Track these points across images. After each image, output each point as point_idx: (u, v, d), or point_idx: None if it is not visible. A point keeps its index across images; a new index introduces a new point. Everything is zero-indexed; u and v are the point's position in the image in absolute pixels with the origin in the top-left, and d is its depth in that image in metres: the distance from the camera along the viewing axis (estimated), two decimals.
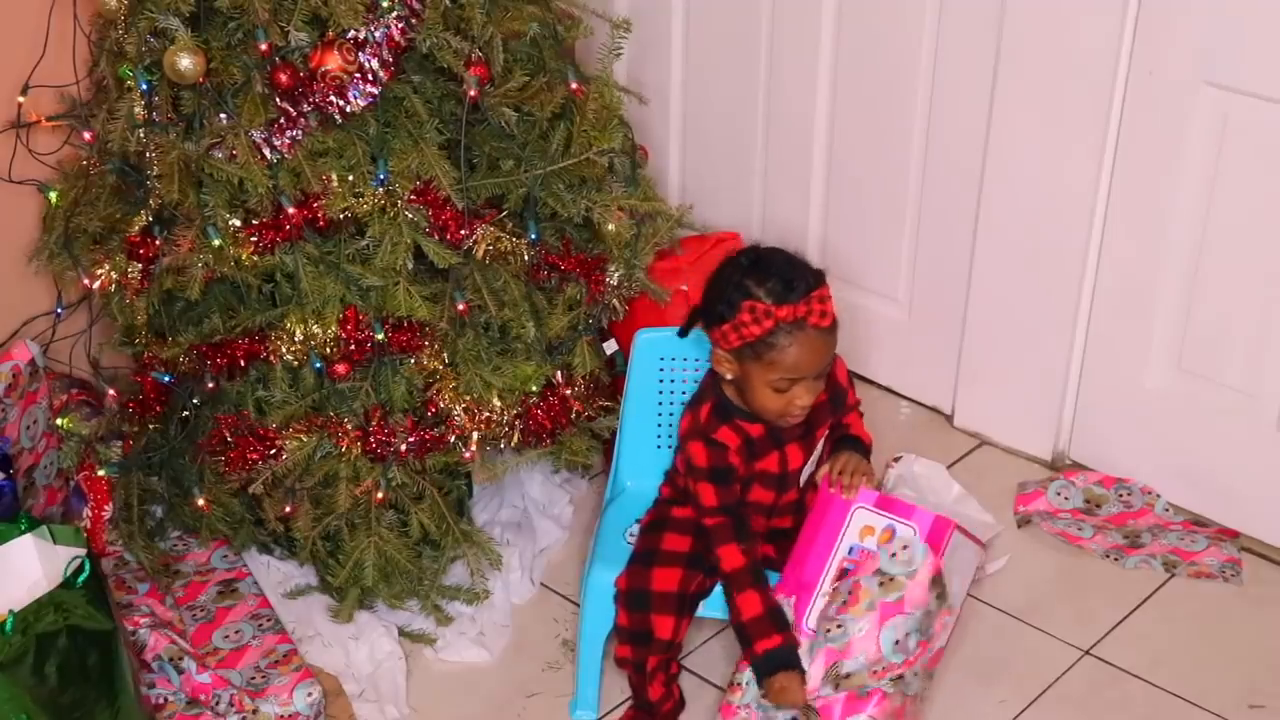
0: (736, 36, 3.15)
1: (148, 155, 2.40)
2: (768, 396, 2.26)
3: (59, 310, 2.69)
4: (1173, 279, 2.75)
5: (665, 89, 3.28)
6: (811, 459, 2.42)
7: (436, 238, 2.40)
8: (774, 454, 2.37)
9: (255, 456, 2.45)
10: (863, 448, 2.43)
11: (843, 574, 2.29)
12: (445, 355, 2.47)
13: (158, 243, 2.44)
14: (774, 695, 2.26)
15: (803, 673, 2.26)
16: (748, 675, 2.31)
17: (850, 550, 2.30)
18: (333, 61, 2.32)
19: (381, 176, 2.36)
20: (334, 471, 2.47)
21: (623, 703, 2.49)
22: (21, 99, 2.60)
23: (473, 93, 2.39)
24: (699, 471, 2.33)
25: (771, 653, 2.26)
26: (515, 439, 2.54)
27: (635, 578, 2.41)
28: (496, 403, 2.49)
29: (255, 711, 2.35)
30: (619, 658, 2.41)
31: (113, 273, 2.48)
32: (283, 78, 2.31)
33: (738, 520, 2.33)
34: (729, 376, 2.30)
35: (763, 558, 2.46)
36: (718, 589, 2.45)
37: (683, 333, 2.38)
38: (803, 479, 2.43)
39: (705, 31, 3.21)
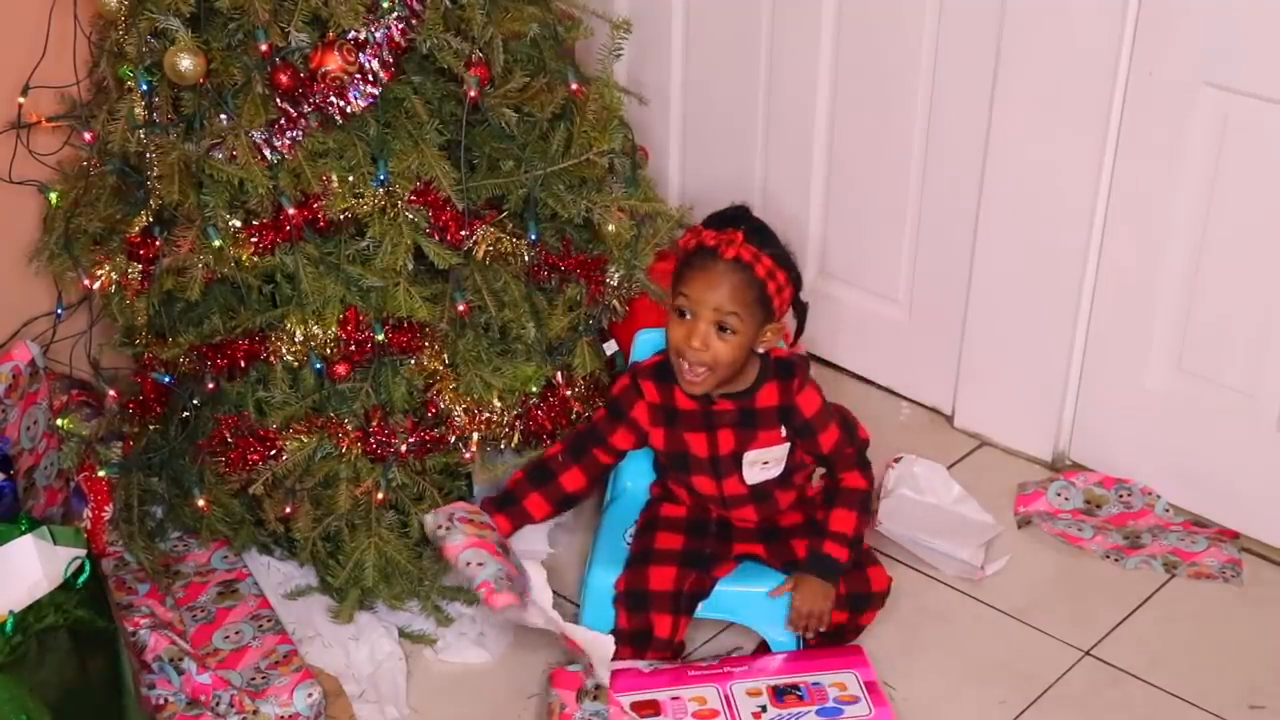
0: (736, 37, 3.15)
1: (148, 156, 2.40)
2: (673, 325, 2.35)
3: (59, 311, 2.68)
4: (1173, 279, 2.75)
5: (665, 89, 3.28)
6: (760, 459, 2.42)
7: (437, 238, 2.40)
8: (703, 435, 2.41)
9: (255, 457, 2.45)
10: (830, 569, 2.41)
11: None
12: (445, 356, 2.47)
13: (158, 243, 2.44)
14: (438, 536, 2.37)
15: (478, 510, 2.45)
16: (555, 694, 2.37)
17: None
18: (333, 62, 2.32)
19: (382, 177, 2.36)
20: (334, 472, 2.47)
21: None
22: (22, 99, 2.60)
23: (473, 93, 2.39)
24: (607, 397, 2.49)
25: (498, 498, 2.47)
26: (515, 440, 2.54)
27: (633, 579, 2.42)
28: (497, 403, 2.49)
29: (255, 712, 2.35)
30: (620, 659, 2.41)
31: (113, 273, 2.48)
32: (283, 78, 2.31)
33: (585, 437, 2.48)
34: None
35: (751, 557, 2.47)
36: (716, 589, 2.46)
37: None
38: (749, 477, 2.43)
39: (705, 31, 3.21)
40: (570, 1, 2.62)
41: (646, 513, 2.55)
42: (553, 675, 2.41)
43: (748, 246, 2.31)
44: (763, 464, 2.42)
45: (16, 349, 2.55)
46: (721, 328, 2.31)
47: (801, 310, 2.43)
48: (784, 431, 2.42)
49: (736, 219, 2.35)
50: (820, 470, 2.55)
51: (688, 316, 2.33)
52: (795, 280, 2.38)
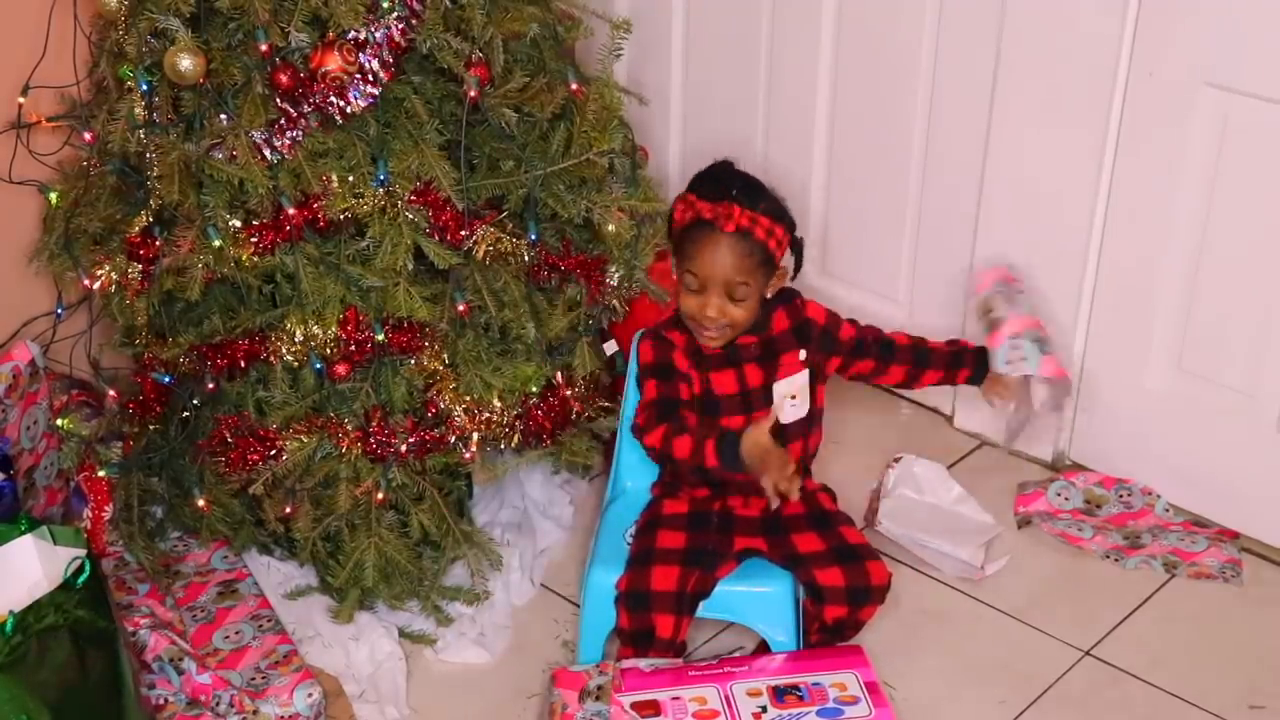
0: (736, 37, 3.15)
1: (148, 156, 2.40)
2: (685, 296, 2.40)
3: (59, 311, 2.68)
4: (1173, 279, 2.75)
5: (665, 89, 3.28)
6: (788, 390, 2.46)
7: (437, 238, 2.40)
8: (730, 371, 2.45)
9: (255, 457, 2.45)
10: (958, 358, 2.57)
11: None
12: (445, 356, 2.47)
13: (158, 243, 2.44)
14: (753, 454, 2.26)
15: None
16: (558, 694, 2.37)
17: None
18: (333, 62, 2.32)
19: (382, 177, 2.36)
20: (334, 472, 2.47)
21: None
22: (22, 99, 2.60)
23: (473, 93, 2.39)
24: (645, 369, 2.46)
25: (721, 440, 2.30)
26: (515, 440, 2.54)
27: (635, 579, 2.41)
28: (497, 403, 2.49)
29: (255, 712, 2.35)
30: (620, 660, 2.41)
31: (113, 273, 2.48)
32: (283, 78, 2.31)
33: (667, 407, 2.38)
34: (672, 296, 2.45)
35: (753, 551, 2.47)
36: (717, 588, 2.46)
37: (669, 234, 2.46)
38: (783, 416, 2.45)
39: (705, 32, 3.21)
40: (570, 1, 2.62)
41: (648, 512, 2.55)
42: (555, 675, 2.41)
43: (744, 213, 2.35)
44: (791, 399, 2.47)
45: (16, 349, 2.55)
46: (732, 294, 2.37)
47: (798, 248, 2.47)
48: (802, 354, 2.47)
49: (724, 178, 2.40)
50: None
51: (696, 288, 2.38)
52: (790, 225, 2.43)
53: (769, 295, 2.44)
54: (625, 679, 2.36)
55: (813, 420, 2.53)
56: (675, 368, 2.44)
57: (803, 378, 2.48)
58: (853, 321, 2.55)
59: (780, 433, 2.44)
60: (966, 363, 2.58)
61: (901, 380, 2.60)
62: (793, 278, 2.50)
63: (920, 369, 2.58)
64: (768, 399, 2.45)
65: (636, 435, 2.43)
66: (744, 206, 2.36)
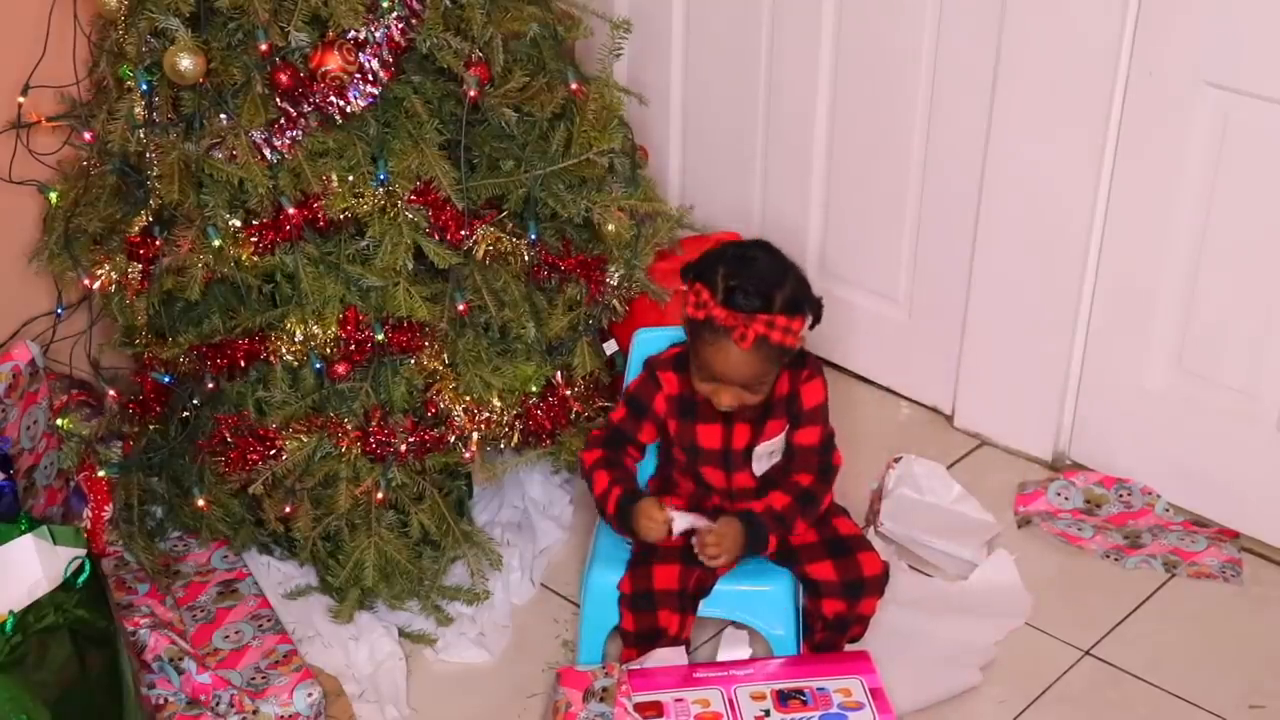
0: (736, 36, 3.15)
1: (148, 155, 2.40)
2: (697, 378, 2.35)
3: (59, 311, 2.68)
4: (1173, 279, 2.75)
5: (665, 89, 3.28)
6: (767, 450, 2.42)
7: (436, 238, 2.40)
8: (717, 426, 2.40)
9: (255, 457, 2.45)
10: (752, 521, 2.37)
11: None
12: (445, 356, 2.47)
13: (158, 243, 2.44)
14: (640, 522, 2.34)
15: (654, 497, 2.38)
16: (563, 693, 2.36)
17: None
18: (333, 62, 2.32)
19: (381, 177, 2.36)
20: (334, 472, 2.47)
21: None
22: (21, 99, 2.59)
23: (473, 93, 2.39)
24: (626, 394, 2.46)
25: (621, 495, 2.37)
26: (515, 439, 2.54)
27: (638, 579, 2.42)
28: (496, 403, 2.49)
29: (255, 712, 2.35)
30: (624, 662, 2.41)
31: (113, 273, 2.48)
32: (283, 78, 2.31)
33: (616, 437, 2.43)
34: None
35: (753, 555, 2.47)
36: (717, 587, 2.46)
37: (683, 276, 2.37)
38: (758, 468, 2.43)
39: (705, 31, 3.21)
40: (570, 1, 2.62)
41: None
42: (561, 674, 2.41)
43: (759, 321, 2.25)
44: (769, 454, 2.43)
45: (16, 349, 2.55)
46: (748, 388, 2.32)
47: (817, 310, 2.37)
48: (787, 417, 2.42)
49: (738, 273, 2.27)
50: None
51: (708, 379, 2.32)
52: (806, 305, 2.33)
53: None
54: (631, 681, 2.36)
55: (787, 464, 2.46)
56: (650, 409, 2.42)
57: (782, 437, 2.42)
58: (824, 437, 2.43)
59: (759, 485, 2.44)
60: (748, 510, 2.41)
61: (813, 540, 2.46)
62: (811, 328, 2.41)
63: (834, 549, 2.44)
64: (747, 459, 2.42)
65: (588, 439, 2.47)
66: (760, 310, 2.25)
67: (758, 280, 2.28)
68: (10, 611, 2.05)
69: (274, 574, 2.66)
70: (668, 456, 2.52)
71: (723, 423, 2.40)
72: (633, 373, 2.56)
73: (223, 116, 2.35)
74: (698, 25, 3.21)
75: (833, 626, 2.44)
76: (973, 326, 3.01)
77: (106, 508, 2.62)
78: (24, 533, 2.14)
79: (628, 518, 2.37)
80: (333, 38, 2.31)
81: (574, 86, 2.50)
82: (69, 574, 2.12)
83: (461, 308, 2.44)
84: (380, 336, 2.42)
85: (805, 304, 2.32)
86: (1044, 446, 3.01)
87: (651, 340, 2.57)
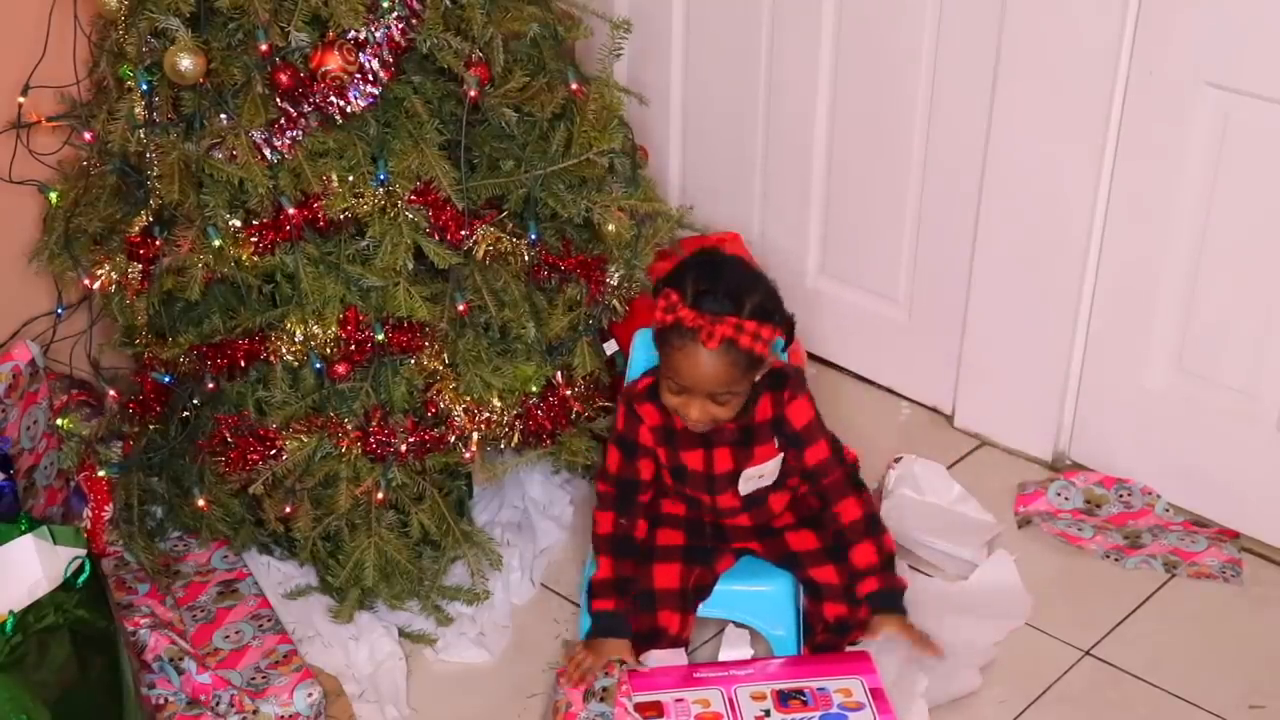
0: (736, 36, 3.15)
1: (148, 155, 2.40)
2: (666, 390, 2.32)
3: (59, 311, 2.68)
4: (1173, 279, 2.75)
5: (665, 89, 3.28)
6: (756, 474, 2.40)
7: (436, 238, 2.40)
8: (699, 451, 2.39)
9: (255, 457, 2.45)
10: (884, 602, 2.38)
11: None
12: (445, 356, 2.47)
13: (158, 243, 2.44)
14: (584, 648, 2.39)
15: (625, 640, 2.37)
16: (563, 693, 2.36)
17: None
18: (333, 62, 2.32)
19: (382, 177, 2.36)
20: (334, 472, 2.47)
21: None
22: (22, 99, 2.59)
23: (473, 93, 2.39)
24: (612, 433, 2.44)
25: (599, 614, 2.39)
26: (515, 439, 2.54)
27: (638, 578, 2.41)
28: (496, 403, 2.49)
29: (255, 712, 2.35)
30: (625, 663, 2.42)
31: (113, 273, 2.48)
32: (283, 78, 2.31)
33: (625, 491, 2.42)
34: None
35: (748, 551, 2.47)
36: (717, 587, 2.46)
37: (655, 290, 2.36)
38: (743, 488, 2.41)
39: (705, 31, 3.21)
40: (570, 1, 2.62)
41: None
42: (560, 673, 2.41)
43: (727, 323, 2.22)
44: (759, 477, 2.42)
45: (16, 349, 2.55)
46: (716, 399, 2.29)
47: (789, 327, 2.36)
48: (777, 442, 2.40)
49: (707, 277, 2.26)
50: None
51: (678, 390, 2.29)
52: (777, 316, 2.30)
53: (756, 379, 2.34)
54: (632, 681, 2.36)
55: (780, 482, 2.45)
56: (639, 444, 2.40)
57: (775, 462, 2.41)
58: (832, 445, 2.41)
59: (744, 503, 2.44)
60: (866, 594, 2.40)
61: (815, 545, 2.46)
62: (783, 349, 2.42)
63: (836, 553, 2.43)
64: (733, 482, 2.41)
65: (597, 494, 2.46)
66: (729, 314, 2.23)
67: (726, 284, 2.26)
68: (10, 611, 2.05)
69: (274, 574, 2.66)
70: (658, 488, 2.52)
71: (703, 447, 2.38)
72: (633, 373, 2.56)
73: (223, 116, 2.35)
74: (698, 25, 3.21)
75: (834, 629, 2.44)
76: (973, 326, 3.01)
77: (106, 508, 2.62)
78: (24, 533, 2.14)
79: (597, 628, 2.39)
80: (333, 38, 2.31)
81: (574, 86, 2.50)
82: (69, 574, 2.12)
83: (461, 308, 2.44)
84: (380, 336, 2.42)
85: (776, 315, 2.29)
86: (1044, 447, 3.01)
87: (652, 340, 2.57)
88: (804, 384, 2.41)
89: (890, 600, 2.40)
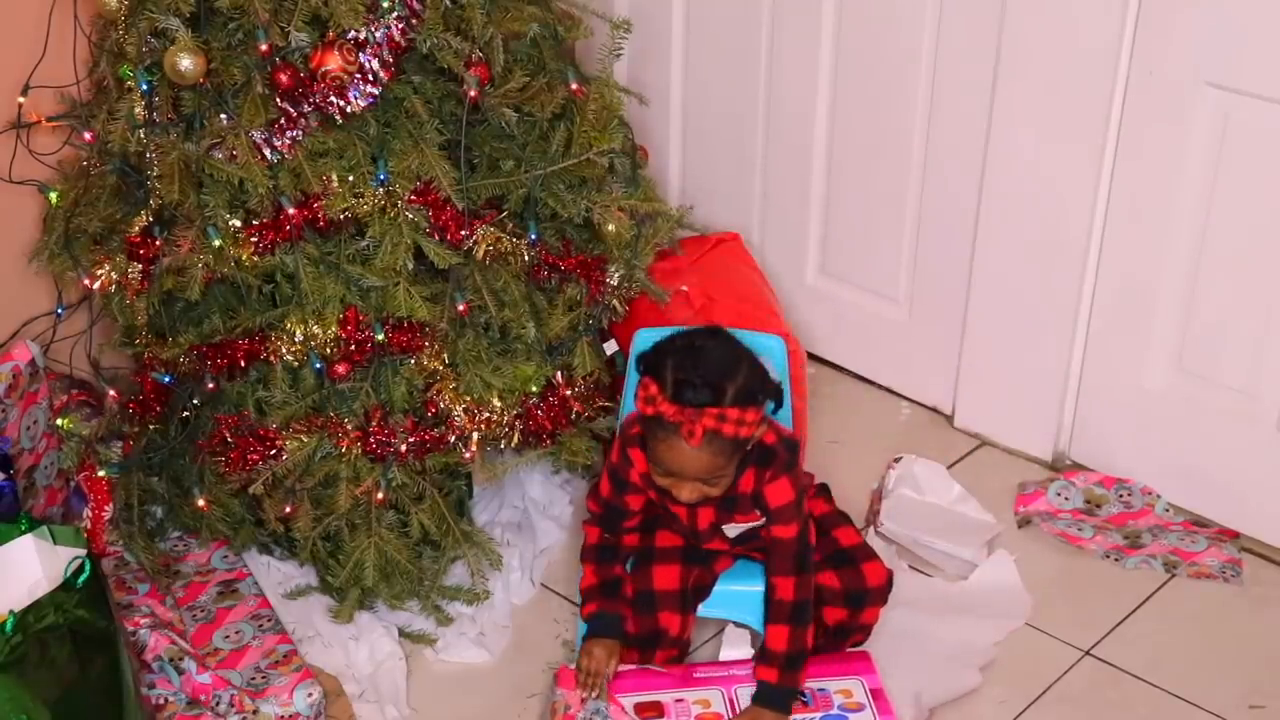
0: (736, 36, 3.15)
1: (148, 155, 2.40)
2: (654, 471, 2.28)
3: (59, 310, 2.69)
4: (1173, 279, 2.75)
5: (665, 89, 3.28)
6: (739, 528, 2.40)
7: (437, 238, 2.40)
8: (682, 509, 2.37)
9: (255, 457, 2.45)
10: (770, 698, 2.31)
11: None
12: (445, 356, 2.47)
13: (158, 243, 2.44)
14: (582, 654, 2.39)
15: (617, 641, 2.38)
16: (560, 694, 2.36)
17: None
18: (333, 62, 2.32)
19: (382, 177, 2.36)
20: (334, 472, 2.47)
21: None
22: (22, 99, 2.60)
23: (473, 93, 2.39)
24: (608, 462, 2.43)
25: (587, 618, 2.41)
26: (515, 439, 2.54)
27: (638, 580, 2.42)
28: (496, 403, 2.49)
29: (255, 712, 2.36)
30: (627, 663, 2.41)
31: (113, 273, 2.48)
32: (283, 78, 2.31)
33: (611, 516, 2.42)
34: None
35: (746, 556, 2.46)
36: (717, 587, 2.46)
37: (635, 365, 2.31)
38: (730, 533, 2.41)
39: (705, 31, 3.21)
40: (570, 1, 2.62)
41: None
42: (559, 674, 2.41)
43: (708, 415, 2.16)
44: (745, 527, 2.42)
45: (16, 349, 2.55)
46: (705, 482, 2.25)
47: (777, 396, 2.30)
48: (758, 512, 2.37)
49: (686, 364, 2.20)
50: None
51: (665, 474, 2.26)
52: (760, 394, 2.24)
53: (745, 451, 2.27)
54: (623, 679, 2.36)
55: (769, 550, 2.39)
56: (629, 483, 2.38)
57: (758, 523, 2.39)
58: (801, 527, 2.33)
59: (732, 544, 2.44)
60: (759, 679, 2.34)
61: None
62: (774, 412, 2.35)
63: (835, 560, 2.42)
64: (718, 531, 2.40)
65: (588, 509, 2.46)
66: (710, 404, 2.16)
67: (706, 372, 2.19)
68: (10, 611, 2.05)
69: (274, 574, 2.66)
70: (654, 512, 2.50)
71: (686, 505, 2.34)
72: (632, 373, 2.56)
73: (223, 116, 2.35)
74: (698, 25, 3.21)
75: (834, 634, 2.44)
76: (973, 326, 3.02)
77: (106, 508, 2.62)
78: (24, 533, 2.14)
79: (593, 628, 2.40)
80: (333, 38, 2.31)
81: (574, 86, 2.50)
82: (69, 574, 2.12)
83: (461, 308, 2.44)
84: (380, 336, 2.42)
85: (760, 394, 2.24)
86: (1044, 446, 3.01)
87: (652, 339, 2.57)
88: (791, 463, 2.32)
89: (777, 699, 2.32)
